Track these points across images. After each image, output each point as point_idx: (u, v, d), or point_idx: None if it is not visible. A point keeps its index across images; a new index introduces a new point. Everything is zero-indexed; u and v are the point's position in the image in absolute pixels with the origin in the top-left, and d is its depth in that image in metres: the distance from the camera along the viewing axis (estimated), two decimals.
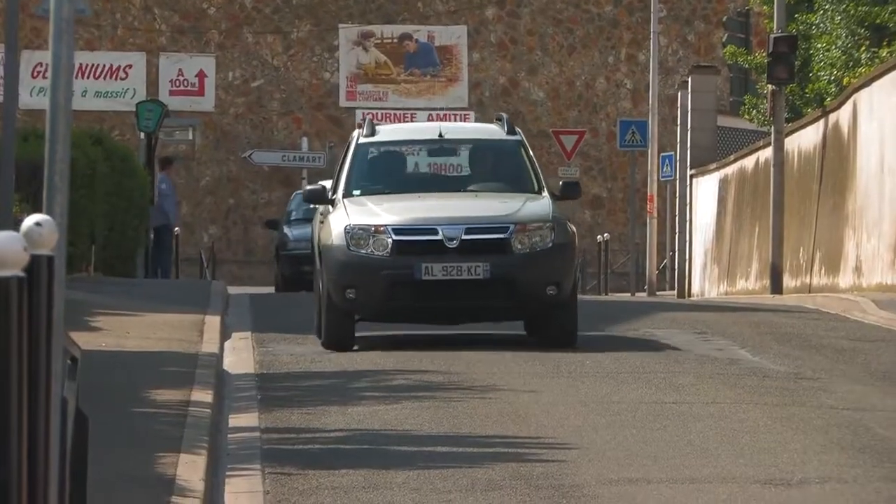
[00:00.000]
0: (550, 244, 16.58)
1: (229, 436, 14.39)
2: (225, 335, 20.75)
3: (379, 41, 46.08)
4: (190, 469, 11.80)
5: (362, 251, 16.49)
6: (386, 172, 18.62)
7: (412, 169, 19.20)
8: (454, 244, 16.31)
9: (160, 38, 46.95)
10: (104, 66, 45.81)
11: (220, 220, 46.08)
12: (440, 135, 18.93)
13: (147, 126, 37.08)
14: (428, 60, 46.37)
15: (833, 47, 37.64)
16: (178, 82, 46.75)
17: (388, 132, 20.87)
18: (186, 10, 48.94)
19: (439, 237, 16.36)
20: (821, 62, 38.53)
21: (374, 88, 46.31)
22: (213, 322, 21.19)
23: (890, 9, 36.35)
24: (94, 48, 44.90)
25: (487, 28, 48.13)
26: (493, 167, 18.77)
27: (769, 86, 35.25)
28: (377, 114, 43.90)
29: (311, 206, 20.72)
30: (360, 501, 11.35)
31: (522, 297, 16.55)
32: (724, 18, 46.44)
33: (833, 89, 37.29)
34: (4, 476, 5.36)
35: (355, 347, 17.19)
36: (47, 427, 5.28)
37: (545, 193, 17.75)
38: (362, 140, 18.24)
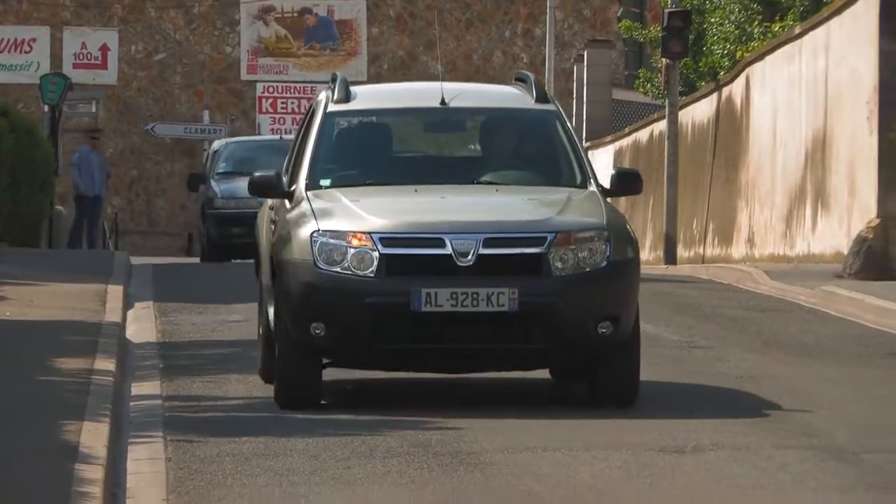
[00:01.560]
0: (605, 263, 11.69)
1: (132, 404, 14.38)
2: (127, 305, 20.86)
3: (279, 15, 46.75)
4: (93, 437, 11.67)
5: (335, 269, 11.65)
6: (363, 155, 13.62)
7: (403, 149, 14.04)
8: (468, 261, 11.50)
9: (64, 13, 47.80)
10: (8, 39, 46.23)
11: (123, 192, 47.21)
12: (442, 101, 13.36)
13: (51, 99, 38.19)
14: (327, 34, 47.49)
15: (726, 22, 38.96)
16: (81, 56, 47.58)
17: (369, 96, 14.28)
18: None
19: (447, 251, 11.54)
20: (714, 36, 39.70)
21: (274, 62, 47.36)
22: (115, 292, 21.39)
23: None
24: None
25: (386, 3, 48.85)
26: (518, 148, 13.53)
27: (663, 60, 35.78)
28: (277, 87, 46.45)
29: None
30: (261, 468, 11.36)
31: (564, 337, 11.70)
32: None
33: (726, 63, 38.14)
34: None
35: (323, 402, 12.58)
36: None
37: (593, 187, 12.88)
38: (332, 108, 13.38)
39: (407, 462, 10.15)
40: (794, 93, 30.06)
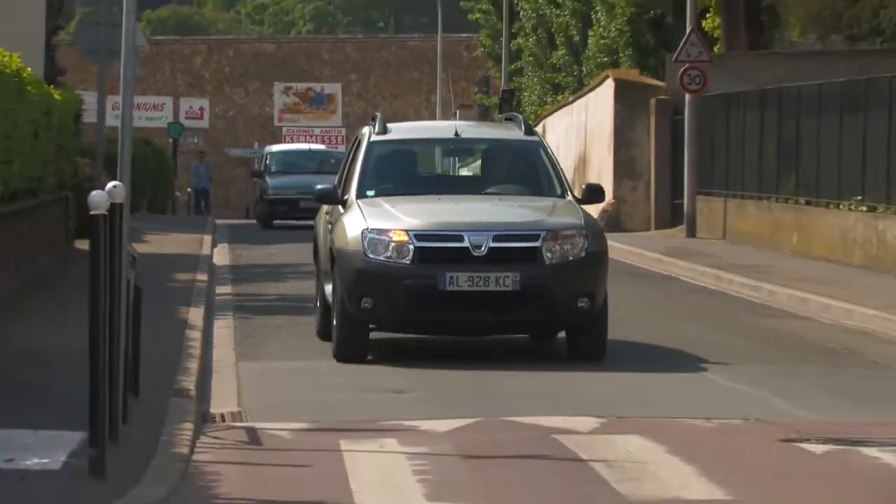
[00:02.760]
0: (584, 253, 13.70)
1: (216, 297, 21.72)
2: (214, 245, 31.57)
3: (294, 91, 70.33)
4: (195, 315, 18.08)
5: (380, 258, 13.49)
6: (399, 172, 15.66)
7: (426, 169, 16.43)
8: (481, 252, 13.39)
9: (179, 88, 69.94)
10: (149, 104, 66.43)
11: (213, 184, 61.96)
12: (456, 133, 16.07)
13: (174, 135, 60.43)
14: (320, 101, 70.43)
15: (533, 94, 54.43)
16: (189, 112, 69.32)
17: (401, 130, 16.58)
18: (193, 73, 70.91)
19: (465, 244, 13.42)
20: (526, 102, 55.00)
21: (292, 116, 70.34)
22: (207, 238, 32.96)
23: (563, 75, 49.72)
24: (144, 93, 64.00)
25: (351, 85, 72.38)
26: (513, 168, 15.75)
27: (501, 115, 42.16)
28: (294, 129, 70.58)
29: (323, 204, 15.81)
30: (287, 332, 17.67)
31: (555, 311, 13.73)
32: (477, 79, 66.94)
33: (533, 118, 48.63)
34: (95, 316, 9.17)
35: (369, 357, 14.41)
36: (119, 294, 10.18)
37: (570, 197, 14.93)
38: (374, 138, 15.32)
39: (422, 394, 12.88)
40: (570, 133, 41.93)
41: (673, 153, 33.17)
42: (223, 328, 17.57)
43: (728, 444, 11.37)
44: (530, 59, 50.35)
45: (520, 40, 50.37)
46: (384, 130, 15.31)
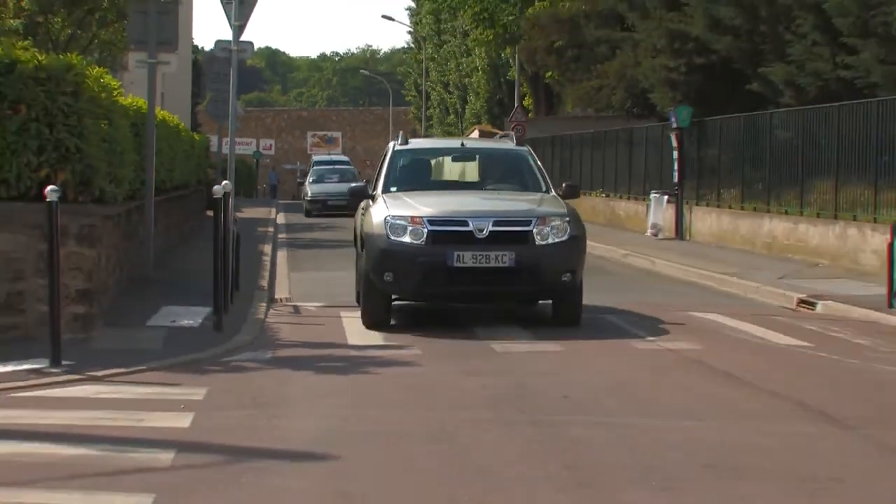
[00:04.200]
0: (566, 236, 13.53)
1: (278, 239, 29.05)
2: (277, 213, 41.30)
3: (317, 135, 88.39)
4: (268, 248, 25.00)
5: (400, 239, 13.41)
6: (417, 174, 15.73)
7: (439, 171, 16.60)
8: (483, 235, 13.31)
9: (258, 133, 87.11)
10: (243, 141, 74.43)
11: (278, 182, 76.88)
12: (462, 144, 17.05)
13: (256, 157, 76.99)
14: (330, 141, 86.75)
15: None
16: (264, 146, 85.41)
17: (419, 143, 17.76)
18: (266, 126, 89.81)
19: (470, 228, 13.35)
20: None
21: (317, 148, 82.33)
22: (274, 210, 43.16)
23: (452, 128, 67.15)
24: (241, 135, 69.06)
25: (346, 133, 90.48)
26: (507, 171, 15.78)
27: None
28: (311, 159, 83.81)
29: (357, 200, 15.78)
30: (315, 258, 23.85)
31: (542, 283, 13.54)
32: (410, 129, 78.66)
33: None
34: (216, 249, 13.08)
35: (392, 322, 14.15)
36: (228, 238, 14.39)
37: (553, 193, 14.88)
38: (398, 148, 15.73)
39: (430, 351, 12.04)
40: None
41: None
42: (282, 255, 24.41)
43: (523, 314, 15.01)
44: (437, 119, 74.53)
45: (431, 111, 75.06)
46: (405, 143, 15.93)
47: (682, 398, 9.75)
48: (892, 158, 20.80)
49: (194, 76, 55.65)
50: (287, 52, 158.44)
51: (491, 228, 13.42)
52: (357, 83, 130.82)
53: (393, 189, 14.87)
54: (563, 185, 15.30)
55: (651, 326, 14.07)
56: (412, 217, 13.56)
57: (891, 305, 15.55)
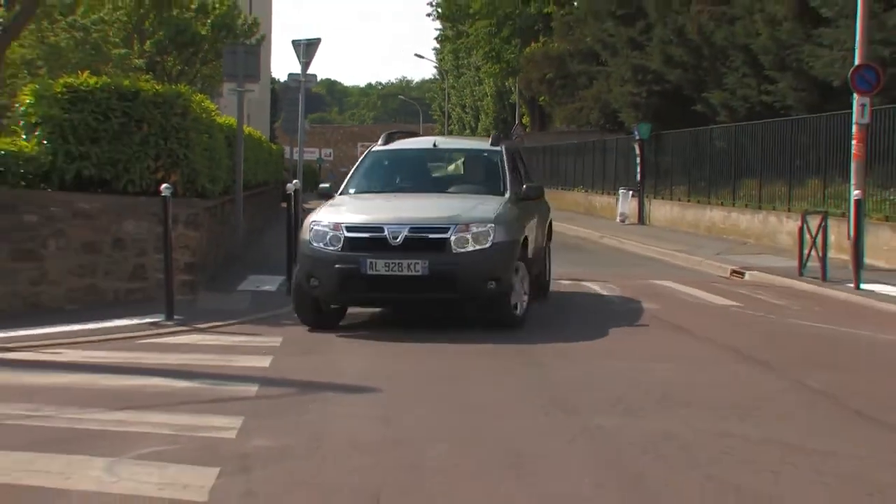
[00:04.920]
0: (488, 244, 10.18)
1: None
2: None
3: (364, 146, 74.18)
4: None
5: (321, 246, 10.33)
6: (384, 176, 12.13)
7: (408, 172, 12.29)
8: (398, 242, 10.05)
9: (321, 144, 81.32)
10: (308, 150, 69.82)
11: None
12: (434, 145, 12.64)
13: (319, 163, 70.79)
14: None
15: None
16: (325, 154, 79.82)
17: (398, 144, 12.89)
18: (326, 138, 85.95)
19: (384, 235, 10.09)
20: None
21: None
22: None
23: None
24: (307, 146, 70.61)
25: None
26: (473, 171, 12.18)
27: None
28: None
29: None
30: None
31: (461, 291, 10.18)
32: None
33: None
34: (289, 234, 10.91)
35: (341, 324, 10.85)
36: (297, 225, 10.63)
37: (507, 195, 11.32)
38: (374, 149, 12.59)
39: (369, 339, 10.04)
40: None
41: None
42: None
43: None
44: (456, 133, 70.12)
45: (451, 127, 71.99)
46: (385, 143, 12.66)
47: (642, 346, 9.67)
48: (802, 163, 21.09)
49: (272, 101, 57.02)
50: (342, 81, 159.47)
51: (406, 235, 10.10)
52: (395, 105, 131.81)
53: (351, 191, 11.76)
54: (524, 186, 11.75)
55: (619, 291, 14.04)
56: (335, 224, 10.42)
57: (801, 274, 15.56)
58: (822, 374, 8.21)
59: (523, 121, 54.54)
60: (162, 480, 5.22)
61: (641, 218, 29.95)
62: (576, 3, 41.67)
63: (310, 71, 20.31)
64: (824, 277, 14.84)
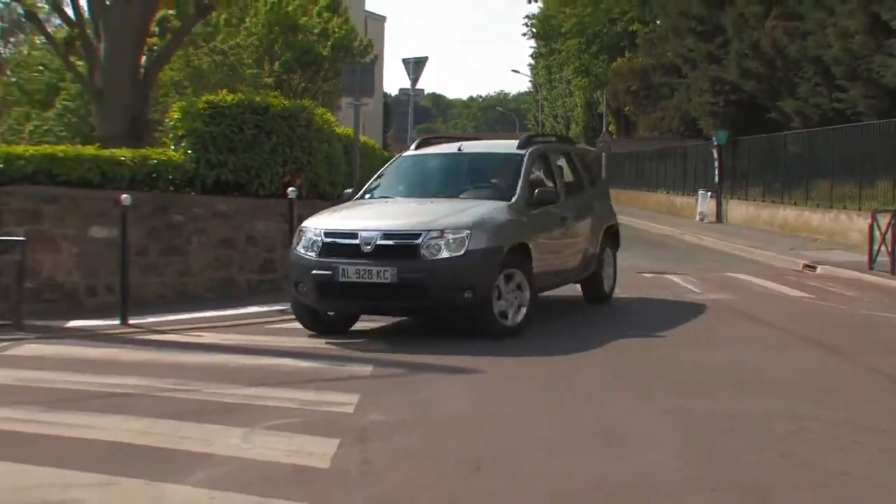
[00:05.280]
0: (462, 251, 8.61)
1: None
2: None
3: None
4: None
5: (304, 251, 9.16)
6: (402, 180, 10.47)
7: (426, 177, 10.51)
8: (369, 249, 8.74)
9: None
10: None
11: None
12: (459, 149, 10.77)
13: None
14: None
15: None
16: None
17: (424, 149, 11.20)
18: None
19: (357, 242, 8.83)
20: None
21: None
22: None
23: None
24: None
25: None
26: (489, 176, 10.27)
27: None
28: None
29: None
30: None
31: (433, 300, 8.65)
32: None
33: None
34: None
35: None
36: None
37: (513, 201, 9.55)
38: (405, 153, 11.19)
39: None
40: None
41: None
42: None
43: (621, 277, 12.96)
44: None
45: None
46: (417, 148, 11.18)
47: (718, 333, 9.46)
48: (872, 165, 20.54)
49: (384, 113, 57.37)
50: (447, 95, 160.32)
51: (378, 242, 8.78)
52: (494, 116, 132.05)
53: (367, 196, 10.34)
54: (536, 191, 9.86)
55: (699, 283, 13.71)
56: (317, 229, 9.22)
57: (871, 268, 15.07)
58: (893, 360, 7.93)
59: (610, 129, 54.34)
60: (290, 448, 5.30)
61: (719, 217, 29.43)
62: (658, 22, 41.25)
63: (418, 86, 20.43)
64: (893, 271, 14.41)
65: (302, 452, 5.20)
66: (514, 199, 9.61)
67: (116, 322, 9.61)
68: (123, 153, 11.97)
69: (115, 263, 9.53)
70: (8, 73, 37.16)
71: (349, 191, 10.58)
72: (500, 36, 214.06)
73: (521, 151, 10.31)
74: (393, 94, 60.49)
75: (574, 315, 10.33)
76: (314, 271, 8.89)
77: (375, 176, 10.68)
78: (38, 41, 37.28)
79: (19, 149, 11.87)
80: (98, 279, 11.21)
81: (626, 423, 5.85)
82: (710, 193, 30.17)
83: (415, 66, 19.95)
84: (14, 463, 5.05)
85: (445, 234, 8.64)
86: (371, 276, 8.62)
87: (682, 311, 10.73)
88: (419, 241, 8.62)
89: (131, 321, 9.58)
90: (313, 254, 8.97)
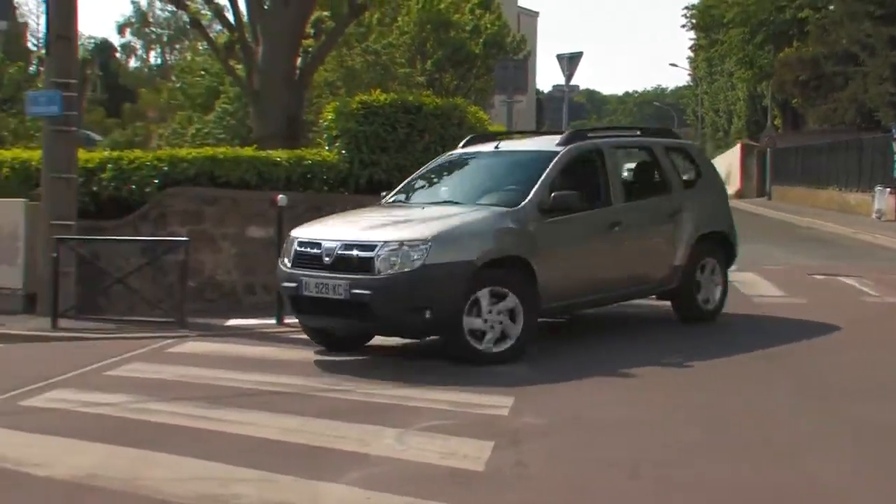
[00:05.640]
0: (417, 266, 7.55)
1: None
2: None
3: None
4: None
5: (283, 260, 8.45)
6: (429, 182, 9.52)
7: (455, 179, 9.42)
8: (329, 261, 7.94)
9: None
10: None
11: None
12: (496, 147, 9.50)
13: None
14: None
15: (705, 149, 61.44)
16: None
17: (466, 148, 9.90)
18: None
19: (320, 252, 8.05)
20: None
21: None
22: None
23: (721, 143, 63.06)
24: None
25: None
26: (510, 177, 8.93)
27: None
28: None
29: None
30: None
31: (380, 320, 7.71)
32: None
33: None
34: None
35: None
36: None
37: (521, 206, 8.29)
38: (450, 152, 10.10)
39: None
40: (720, 164, 44.37)
41: (761, 170, 45.78)
42: None
43: (779, 276, 13.76)
44: (709, 136, 68.38)
45: (705, 130, 69.00)
46: (464, 145, 9.99)
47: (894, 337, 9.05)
48: None
49: (537, 110, 57.46)
50: (601, 91, 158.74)
51: (338, 253, 7.97)
52: (650, 112, 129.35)
53: (393, 199, 9.46)
54: (552, 196, 8.43)
55: (875, 285, 13.13)
56: (293, 238, 8.51)
57: None
58: None
59: (775, 122, 52.60)
60: (444, 450, 5.37)
61: None
62: (831, 7, 39.56)
63: (572, 82, 20.31)
64: None
65: (457, 454, 5.25)
66: (521, 205, 8.30)
67: (273, 321, 9.87)
68: (279, 154, 12.42)
69: (271, 263, 9.87)
70: (173, 78, 39.18)
71: (384, 193, 9.69)
72: (657, 29, 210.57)
73: (556, 149, 8.97)
74: (545, 91, 60.64)
75: (735, 321, 9.99)
76: (283, 283, 8.36)
77: (410, 178, 9.84)
78: (200, 47, 39.12)
79: (182, 151, 12.48)
80: (255, 278, 11.65)
81: (788, 430, 5.71)
82: (888, 190, 28.74)
83: (569, 62, 19.83)
84: (175, 455, 5.30)
85: (404, 246, 7.68)
86: (328, 290, 7.89)
87: (854, 314, 10.37)
88: (373, 252, 7.73)
89: (287, 320, 9.84)
90: (288, 264, 8.33)
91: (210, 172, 11.94)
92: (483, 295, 7.78)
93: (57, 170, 11.16)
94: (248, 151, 12.56)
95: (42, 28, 25.57)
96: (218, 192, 11.79)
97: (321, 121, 14.39)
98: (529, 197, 8.38)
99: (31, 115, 12.15)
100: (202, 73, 33.76)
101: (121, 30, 53.14)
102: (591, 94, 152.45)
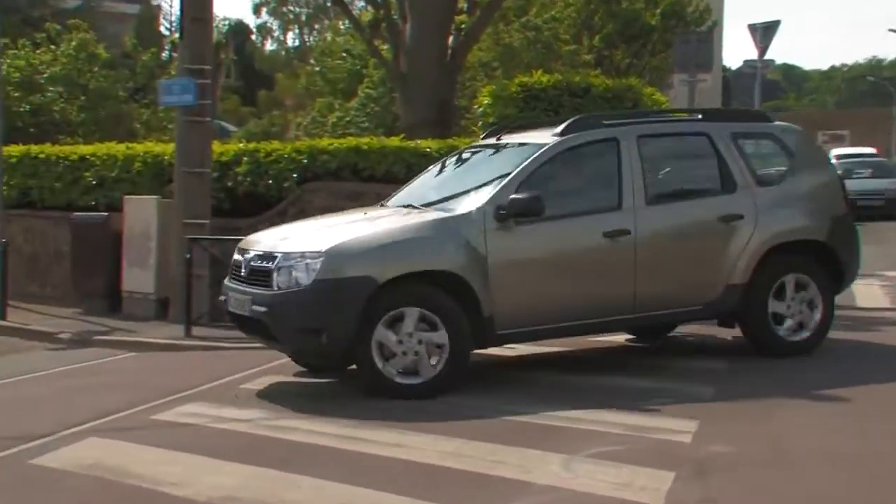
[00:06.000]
0: (308, 283, 7.25)
1: None
2: None
3: (827, 133, 59.06)
4: None
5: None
6: (428, 181, 9.09)
7: (448, 177, 8.96)
8: (244, 273, 7.81)
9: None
10: None
11: None
12: (498, 138, 8.97)
13: None
14: (842, 139, 58.57)
15: None
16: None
17: (490, 139, 9.26)
18: None
19: (241, 261, 7.92)
20: None
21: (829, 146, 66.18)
22: None
23: None
24: None
25: (854, 132, 64.73)
26: (493, 175, 8.16)
27: None
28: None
29: None
30: None
31: (277, 341, 7.62)
32: None
33: None
34: None
35: None
36: None
37: (468, 210, 7.74)
38: (470, 143, 10.31)
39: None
40: None
41: None
42: None
43: None
44: None
45: None
46: (486, 136, 9.59)
47: None
48: None
49: (723, 89, 56.27)
50: (801, 65, 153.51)
51: (251, 265, 7.77)
52: (864, 88, 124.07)
53: (397, 197, 9.07)
54: (509, 199, 7.76)
55: None
56: (238, 247, 8.27)
57: None
58: None
59: None
60: (617, 480, 5.35)
61: None
62: None
63: (766, 56, 19.79)
64: None
65: (632, 486, 5.23)
66: (467, 211, 7.72)
67: None
68: (429, 144, 12.58)
69: None
70: (312, 61, 40.22)
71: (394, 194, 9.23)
72: None
73: (549, 140, 8.19)
74: (734, 68, 59.41)
75: None
76: (221, 296, 8.25)
77: (421, 173, 9.59)
78: (341, 26, 40.02)
79: (324, 142, 12.79)
80: None
81: None
82: None
83: (764, 33, 19.37)
84: (315, 478, 5.48)
85: (305, 258, 7.39)
86: (241, 305, 7.76)
87: None
88: (273, 265, 7.50)
89: None
90: (229, 275, 8.19)
91: (353, 165, 12.21)
92: (400, 316, 7.38)
93: (190, 164, 11.62)
94: (395, 141, 12.79)
95: (175, 11, 26.71)
96: (362, 187, 12.05)
97: (476, 106, 14.50)
98: (483, 202, 7.75)
99: (164, 105, 12.67)
100: (344, 55, 34.65)
101: (256, 9, 55.05)
102: (789, 70, 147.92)
